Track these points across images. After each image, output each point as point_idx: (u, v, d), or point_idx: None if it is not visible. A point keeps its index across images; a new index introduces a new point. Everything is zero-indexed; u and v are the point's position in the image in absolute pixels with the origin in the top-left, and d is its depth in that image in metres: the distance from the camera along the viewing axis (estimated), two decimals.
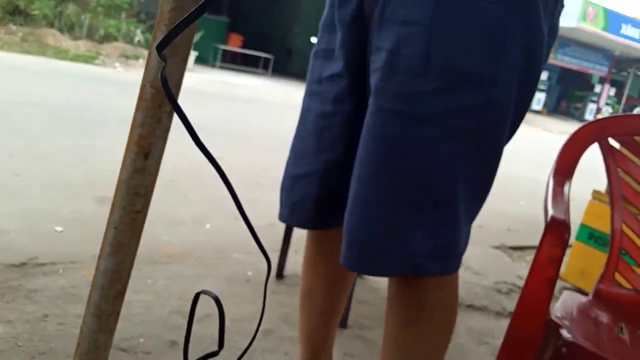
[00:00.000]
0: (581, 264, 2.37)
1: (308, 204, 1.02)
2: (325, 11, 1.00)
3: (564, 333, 0.97)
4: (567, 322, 1.04)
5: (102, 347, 0.71)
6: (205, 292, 0.76)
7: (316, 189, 1.00)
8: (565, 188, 1.24)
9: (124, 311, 1.43)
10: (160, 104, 0.68)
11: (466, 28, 0.78)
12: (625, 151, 1.33)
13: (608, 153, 1.34)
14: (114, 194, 0.71)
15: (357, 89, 0.95)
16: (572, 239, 2.67)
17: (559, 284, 2.57)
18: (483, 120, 0.83)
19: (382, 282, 2.05)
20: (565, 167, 1.27)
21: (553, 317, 1.02)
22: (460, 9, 0.78)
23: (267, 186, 3.19)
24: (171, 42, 0.59)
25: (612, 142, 1.34)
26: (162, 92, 0.67)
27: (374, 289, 1.97)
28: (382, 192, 0.85)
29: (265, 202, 2.77)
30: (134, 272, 1.86)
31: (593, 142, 1.32)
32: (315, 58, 1.03)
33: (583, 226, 2.56)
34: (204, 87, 8.62)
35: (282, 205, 1.07)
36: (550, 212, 1.09)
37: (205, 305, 1.59)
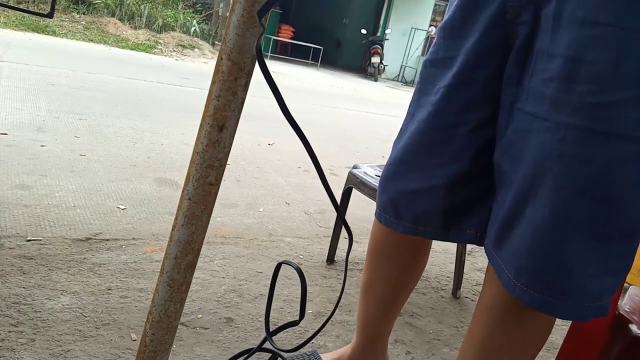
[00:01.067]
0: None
1: (435, 217, 0.97)
2: (449, 15, 0.93)
3: (634, 329, 0.94)
4: (636, 317, 0.99)
5: (172, 316, 0.73)
6: (286, 262, 0.77)
7: (442, 202, 0.95)
8: None
9: None
10: (236, 76, 0.69)
11: None
12: None
13: None
14: (189, 166, 0.73)
15: (487, 96, 0.88)
16: None
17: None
18: None
19: (431, 273, 2.03)
20: None
21: (621, 312, 0.98)
22: None
23: (315, 174, 3.21)
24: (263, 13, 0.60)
25: None
26: (238, 64, 0.69)
27: (424, 278, 1.95)
28: (564, 221, 0.76)
29: (315, 189, 2.79)
30: None
31: None
32: (431, 66, 0.96)
33: None
34: (254, 75, 8.70)
35: (400, 217, 1.02)
36: None
37: (260, 285, 1.62)
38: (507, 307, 0.86)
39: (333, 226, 1.96)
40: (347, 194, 1.90)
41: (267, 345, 0.85)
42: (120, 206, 2.07)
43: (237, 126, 0.73)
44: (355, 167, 1.86)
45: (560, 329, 1.68)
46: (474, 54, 0.87)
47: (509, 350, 0.90)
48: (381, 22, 13.67)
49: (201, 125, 0.71)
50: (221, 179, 0.74)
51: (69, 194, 2.09)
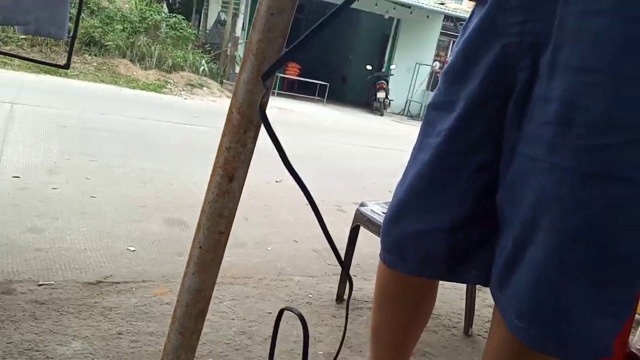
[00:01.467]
0: None
1: (439, 258, 0.99)
2: (452, 60, 0.95)
3: None
4: None
5: None
6: (289, 309, 0.78)
7: (446, 244, 0.96)
8: None
9: None
10: (245, 129, 0.72)
11: None
12: None
13: None
14: (200, 215, 0.75)
15: (489, 140, 0.89)
16: None
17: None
18: None
19: (441, 310, 2.01)
20: None
21: (633, 349, 0.97)
22: None
23: (323, 211, 3.21)
24: (270, 75, 0.63)
25: None
26: (247, 118, 0.71)
27: (434, 316, 1.93)
28: (563, 265, 0.76)
29: (330, 222, 2.79)
30: None
31: None
32: (434, 109, 0.98)
33: None
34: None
35: (405, 259, 1.03)
36: None
37: (270, 326, 1.61)
38: (513, 349, 0.86)
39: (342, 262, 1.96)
40: (354, 232, 1.90)
41: None
42: (130, 248, 2.09)
43: (246, 176, 0.75)
44: (362, 204, 1.87)
45: None
46: (476, 98, 0.89)
47: None
48: (386, 58, 13.89)
49: (212, 175, 0.74)
50: (231, 228, 0.76)
51: (80, 237, 2.11)
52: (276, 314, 1.69)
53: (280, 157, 0.66)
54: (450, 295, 2.17)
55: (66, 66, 1.22)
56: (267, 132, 0.64)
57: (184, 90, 9.19)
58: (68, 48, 1.13)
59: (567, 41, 0.75)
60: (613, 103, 0.70)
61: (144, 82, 8.96)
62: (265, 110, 0.63)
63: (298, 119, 8.41)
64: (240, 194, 0.76)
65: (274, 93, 12.40)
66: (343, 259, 1.95)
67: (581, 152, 0.73)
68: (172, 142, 4.60)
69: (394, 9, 12.62)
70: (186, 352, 0.74)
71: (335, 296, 1.94)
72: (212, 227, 0.74)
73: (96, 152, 3.68)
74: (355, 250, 1.87)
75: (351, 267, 1.95)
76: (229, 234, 0.76)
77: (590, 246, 0.74)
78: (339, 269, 2.19)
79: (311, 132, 7.12)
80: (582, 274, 0.75)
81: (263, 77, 0.61)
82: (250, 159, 0.75)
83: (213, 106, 8.32)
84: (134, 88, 8.53)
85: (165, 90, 8.93)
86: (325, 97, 12.58)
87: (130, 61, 9.57)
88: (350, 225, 1.86)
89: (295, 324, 1.68)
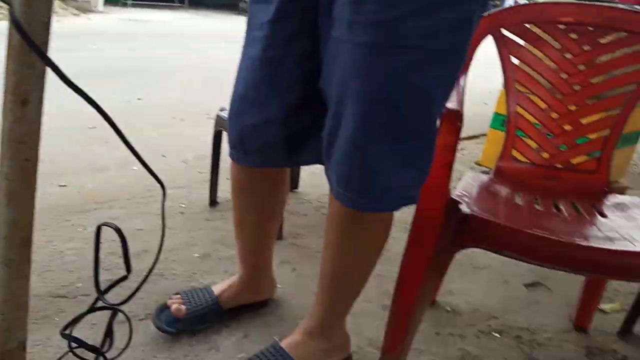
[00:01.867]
0: (496, 149, 2.53)
1: (279, 147, 1.05)
2: None
3: (463, 208, 1.08)
4: (466, 199, 1.14)
5: (18, 292, 0.74)
6: (106, 224, 0.79)
7: (284, 132, 1.02)
8: (461, 81, 1.31)
9: (58, 261, 1.47)
10: (30, 49, 0.67)
11: None
12: (517, 39, 1.41)
13: (501, 43, 1.41)
14: (0, 144, 0.71)
15: (307, 28, 0.94)
16: (487, 128, 2.82)
17: (479, 169, 2.75)
18: (457, 38, 0.83)
19: (312, 195, 2.14)
20: None
21: (453, 195, 1.12)
22: None
23: (191, 121, 3.16)
24: None
25: (506, 32, 1.41)
26: (30, 33, 0.66)
27: (306, 201, 2.06)
28: (365, 128, 0.85)
29: (192, 137, 2.76)
30: (63, 224, 1.87)
31: (486, 35, 1.38)
32: (254, 3, 1.00)
33: (496, 115, 2.71)
34: (116, 27, 8.12)
35: (247, 152, 1.08)
36: (447, 104, 1.16)
37: (141, 241, 1.62)
38: (344, 212, 0.98)
39: (210, 167, 1.97)
40: (217, 137, 1.91)
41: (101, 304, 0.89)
42: None
43: (43, 98, 0.71)
44: (222, 109, 1.87)
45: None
46: None
47: (358, 247, 1.03)
48: None
49: (4, 103, 0.69)
50: (37, 154, 0.73)
51: None
52: (149, 228, 1.70)
53: (60, 78, 0.63)
54: (320, 181, 2.29)
55: None
56: (33, 49, 0.61)
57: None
58: None
59: None
60: None
61: None
62: (20, 25, 0.59)
63: (157, 29, 7.86)
64: (41, 118, 0.72)
65: (126, 4, 11.32)
66: (212, 163, 1.96)
67: (371, 27, 0.80)
68: None
69: None
70: (18, 280, 0.74)
71: (208, 202, 1.98)
72: (16, 156, 0.71)
73: None
74: (222, 156, 1.88)
75: (220, 171, 1.97)
76: (36, 160, 0.73)
77: (386, 107, 0.84)
78: (209, 176, 2.21)
79: (174, 41, 6.72)
80: (382, 133, 0.85)
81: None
82: (44, 80, 0.71)
83: (57, 26, 7.45)
84: None
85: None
86: (187, 3, 11.75)
87: None
88: (214, 127, 1.87)
89: (172, 233, 1.70)
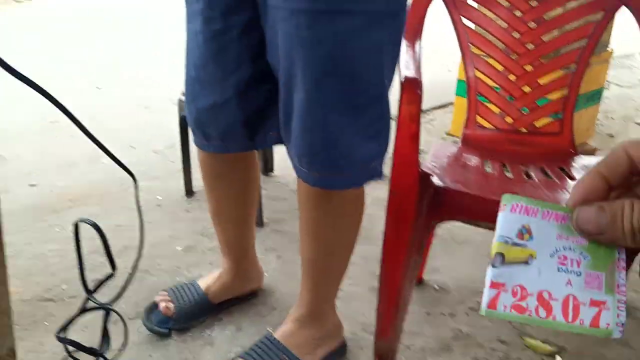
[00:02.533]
0: (462, 117, 2.57)
1: (238, 129, 1.01)
2: None
3: (435, 180, 1.11)
4: (437, 171, 1.18)
5: None
6: (83, 220, 0.80)
7: (240, 113, 0.98)
8: (416, 47, 1.32)
9: (40, 264, 1.46)
10: None
11: None
12: None
13: (450, 4, 1.41)
14: None
15: None
16: (453, 97, 2.85)
17: (450, 139, 2.79)
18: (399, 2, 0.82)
19: (290, 177, 2.15)
20: (411, 28, 1.34)
21: (424, 168, 1.15)
22: None
23: (154, 108, 3.11)
24: None
25: None
26: None
27: (283, 184, 2.07)
28: (320, 100, 0.83)
29: (159, 126, 2.72)
30: (40, 224, 1.85)
31: None
32: None
33: (460, 82, 2.73)
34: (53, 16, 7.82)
35: (208, 138, 1.04)
36: (404, 72, 1.18)
37: (122, 237, 1.62)
38: (312, 193, 0.97)
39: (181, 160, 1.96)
40: (183, 123, 1.90)
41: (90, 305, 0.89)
42: None
43: None
44: (184, 93, 1.84)
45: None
46: None
47: (331, 227, 1.03)
48: None
49: None
50: None
51: None
52: (127, 223, 1.70)
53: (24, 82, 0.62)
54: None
55: None
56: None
57: None
58: None
59: None
60: None
61: None
62: None
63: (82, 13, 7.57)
64: None
65: None
66: (182, 152, 1.94)
67: None
68: None
69: None
70: None
71: (184, 192, 1.97)
72: None
73: None
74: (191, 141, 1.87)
75: (192, 159, 1.96)
76: None
77: (338, 78, 0.83)
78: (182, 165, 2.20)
79: (114, 18, 6.51)
80: (337, 102, 0.84)
81: None
82: None
83: None
84: None
85: None
86: None
87: None
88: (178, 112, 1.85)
89: (151, 227, 1.70)
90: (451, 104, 3.04)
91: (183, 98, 1.78)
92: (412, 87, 1.05)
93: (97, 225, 0.75)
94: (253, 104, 0.99)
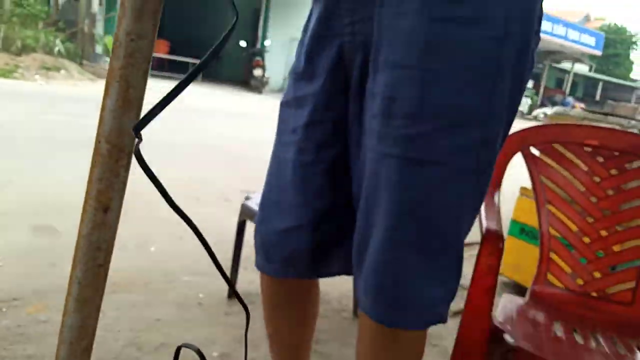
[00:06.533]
0: (515, 258, 2.52)
1: (304, 256, 1.01)
2: (296, 60, 0.99)
3: (507, 338, 1.05)
4: (509, 327, 1.12)
5: None
6: (186, 345, 0.77)
7: (310, 240, 0.99)
8: (495, 198, 1.33)
9: None
10: (117, 158, 0.69)
11: (457, 67, 0.77)
12: (545, 158, 1.45)
13: (531, 162, 1.44)
14: (75, 250, 0.71)
15: (339, 134, 0.94)
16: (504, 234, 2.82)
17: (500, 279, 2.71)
18: (483, 155, 0.83)
19: (332, 294, 2.10)
20: (493, 179, 1.36)
21: (496, 323, 1.10)
22: (450, 48, 0.77)
23: (206, 201, 3.16)
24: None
25: (534, 150, 1.45)
26: (117, 147, 0.68)
27: (325, 301, 2.01)
28: (395, 241, 0.84)
29: (207, 218, 2.75)
30: None
31: (516, 153, 1.42)
32: (287, 107, 1.01)
33: (514, 222, 2.71)
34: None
35: (270, 260, 1.04)
36: (485, 224, 1.17)
37: (160, 333, 1.57)
38: (374, 329, 0.93)
39: (232, 257, 1.94)
40: (241, 226, 1.90)
41: None
42: None
43: (122, 204, 0.72)
44: (247, 198, 1.87)
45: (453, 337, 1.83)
46: (321, 97, 0.94)
47: None
48: (259, 34, 13.77)
49: (84, 208, 0.70)
50: (110, 259, 0.73)
51: None
52: (166, 319, 1.65)
53: (162, 195, 0.64)
54: (338, 278, 2.26)
55: None
56: (147, 175, 0.62)
57: (38, 74, 8.36)
58: None
59: (384, 40, 0.82)
60: (422, 96, 0.78)
61: None
62: (143, 159, 0.61)
63: (172, 102, 8.03)
64: (117, 224, 0.73)
65: None
66: (233, 252, 1.93)
67: (401, 140, 0.81)
68: (30, 135, 4.19)
69: None
70: None
71: (226, 293, 1.93)
72: (90, 261, 0.70)
73: None
74: (246, 241, 1.87)
75: (241, 259, 1.95)
76: (108, 266, 0.72)
77: (417, 222, 0.83)
78: (229, 262, 2.18)
79: (189, 115, 6.88)
80: (414, 248, 0.84)
81: (136, 128, 0.60)
82: (125, 187, 0.72)
83: (74, 91, 7.69)
84: None
85: (16, 75, 8.06)
86: (200, 76, 12.20)
87: None
88: (238, 216, 1.86)
89: (189, 326, 1.66)
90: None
91: (248, 203, 1.81)
92: (493, 239, 1.04)
93: (200, 352, 0.72)
94: (324, 234, 1.00)
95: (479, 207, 0.90)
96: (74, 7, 10.59)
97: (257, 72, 12.39)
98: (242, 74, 13.60)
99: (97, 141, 0.68)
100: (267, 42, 13.19)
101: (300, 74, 0.97)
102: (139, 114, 0.68)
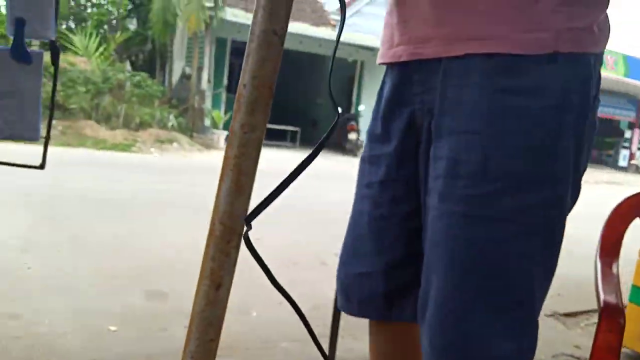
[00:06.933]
0: (638, 327, 2.29)
1: (377, 300, 1.07)
2: (372, 123, 1.09)
3: None
4: None
5: None
6: None
7: (382, 286, 1.05)
8: (614, 268, 1.24)
9: None
10: (228, 240, 0.74)
11: (518, 133, 0.82)
12: None
13: None
14: (189, 325, 0.76)
15: (412, 192, 1.01)
16: (625, 300, 2.58)
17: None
18: (549, 214, 0.85)
19: None
20: (610, 246, 1.28)
21: None
22: (511, 117, 0.82)
23: (304, 265, 3.22)
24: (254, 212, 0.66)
25: None
26: (229, 229, 0.74)
27: None
28: (461, 296, 0.86)
29: (306, 284, 2.78)
30: None
31: (635, 218, 1.33)
32: (365, 163, 1.10)
33: (635, 288, 2.47)
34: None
35: (349, 300, 1.11)
36: (602, 296, 1.09)
37: None
38: None
39: (330, 324, 1.94)
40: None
41: None
42: (111, 327, 2.04)
43: (232, 283, 0.77)
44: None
45: None
46: (394, 158, 1.01)
47: None
48: (354, 99, 14.20)
49: (198, 285, 0.76)
50: (220, 333, 0.77)
51: (58, 318, 2.06)
52: None
53: (269, 278, 0.69)
54: None
55: (41, 166, 1.23)
56: (255, 259, 0.67)
57: (153, 147, 9.17)
58: (43, 148, 1.17)
59: (447, 108, 0.88)
60: (486, 159, 0.83)
61: (111, 143, 8.92)
62: (253, 247, 0.67)
63: (270, 167, 8.43)
64: (227, 300, 0.78)
65: None
66: (333, 318, 1.94)
67: (465, 199, 0.85)
68: (143, 203, 4.56)
69: (357, 52, 13.02)
70: None
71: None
72: (202, 337, 0.75)
73: (65, 220, 3.63)
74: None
75: (340, 327, 1.94)
76: (219, 340, 0.77)
77: (484, 278, 0.85)
78: (327, 329, 2.18)
79: (282, 179, 7.14)
80: (482, 304, 0.85)
81: (248, 219, 0.66)
82: (235, 266, 0.77)
83: (184, 161, 8.31)
84: (101, 149, 8.48)
85: (134, 149, 8.90)
86: (298, 142, 12.72)
87: (96, 122, 9.54)
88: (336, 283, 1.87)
89: None
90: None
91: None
92: (613, 314, 0.97)
93: None
94: (398, 281, 1.05)
95: (553, 264, 0.90)
96: (185, 85, 11.65)
97: (352, 135, 12.72)
98: (337, 138, 13.99)
99: (212, 223, 0.74)
100: (360, 107, 13.55)
101: (376, 135, 1.06)
102: (249, 198, 0.75)
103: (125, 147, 8.82)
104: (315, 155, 0.69)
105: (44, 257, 2.82)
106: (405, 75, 1.00)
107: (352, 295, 1.10)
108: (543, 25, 0.82)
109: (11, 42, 1.22)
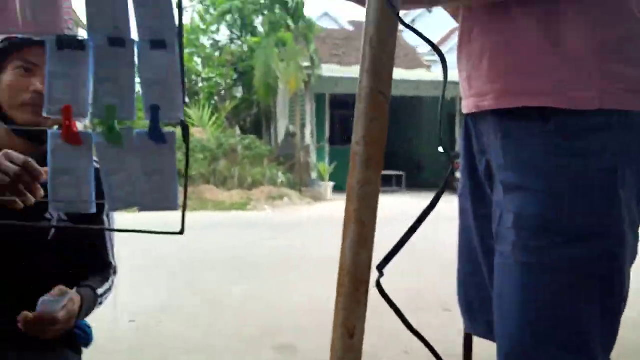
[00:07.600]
0: None
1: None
2: (462, 164, 1.22)
3: None
4: None
5: None
6: None
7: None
8: None
9: None
10: (357, 287, 0.79)
11: (575, 190, 0.89)
12: None
13: None
14: None
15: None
16: None
17: None
18: (607, 262, 0.91)
19: None
20: None
21: None
22: (568, 176, 0.89)
23: (426, 311, 3.14)
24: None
25: None
26: (357, 278, 0.78)
27: None
28: (531, 336, 0.92)
29: (432, 329, 2.71)
30: None
31: None
32: (462, 197, 1.22)
33: None
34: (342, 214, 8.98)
35: (474, 322, 1.19)
36: None
37: None
38: None
39: None
40: (468, 340, 1.85)
41: None
42: None
43: (364, 330, 0.80)
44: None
45: None
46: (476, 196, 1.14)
47: None
48: (457, 136, 13.94)
49: (334, 334, 0.80)
50: None
51: None
52: None
53: (404, 323, 0.72)
54: None
55: (181, 232, 1.36)
56: (389, 304, 0.71)
57: (266, 204, 9.61)
58: (181, 216, 1.31)
59: (511, 165, 0.96)
60: (547, 214, 0.90)
61: (229, 203, 9.49)
62: (383, 290, 0.70)
63: (382, 213, 8.44)
64: (362, 347, 0.81)
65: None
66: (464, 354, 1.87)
67: (532, 249, 0.92)
68: (264, 261, 4.76)
69: (456, 88, 12.84)
70: None
71: None
72: None
73: (199, 283, 3.88)
74: (475, 354, 1.80)
75: None
76: None
77: (553, 320, 0.92)
78: None
79: (400, 226, 7.12)
80: (548, 342, 0.91)
81: (379, 266, 0.71)
82: (366, 314, 0.80)
83: (295, 216, 8.59)
84: (221, 210, 9.04)
85: (249, 207, 9.38)
86: (404, 186, 12.66)
87: (214, 185, 10.24)
88: (463, 329, 1.82)
89: None
90: None
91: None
92: None
93: None
94: None
95: (618, 309, 0.94)
96: (290, 142, 12.20)
97: (459, 174, 12.41)
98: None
99: (340, 274, 0.79)
100: None
101: (466, 177, 1.20)
102: (372, 247, 0.79)
103: (241, 206, 9.33)
104: (438, 200, 0.73)
105: (183, 319, 3.04)
106: (472, 125, 1.12)
107: (478, 316, 1.17)
108: (589, 84, 0.88)
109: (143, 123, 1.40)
